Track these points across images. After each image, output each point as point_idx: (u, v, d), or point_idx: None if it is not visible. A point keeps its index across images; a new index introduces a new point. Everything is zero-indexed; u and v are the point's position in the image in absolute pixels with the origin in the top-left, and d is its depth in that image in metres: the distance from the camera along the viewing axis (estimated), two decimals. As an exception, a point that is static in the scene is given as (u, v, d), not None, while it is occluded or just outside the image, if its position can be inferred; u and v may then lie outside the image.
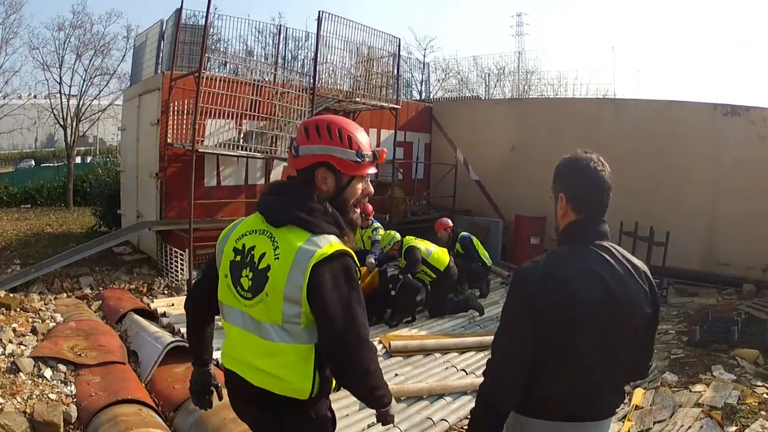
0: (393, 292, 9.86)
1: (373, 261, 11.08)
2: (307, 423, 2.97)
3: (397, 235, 11.14)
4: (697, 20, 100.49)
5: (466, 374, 7.84)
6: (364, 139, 3.07)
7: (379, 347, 8.47)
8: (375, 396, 3.00)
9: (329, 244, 2.79)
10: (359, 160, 2.97)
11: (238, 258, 2.94)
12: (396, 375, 7.56)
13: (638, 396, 6.89)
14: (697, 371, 7.59)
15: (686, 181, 14.15)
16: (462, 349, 8.73)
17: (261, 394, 2.89)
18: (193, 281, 11.21)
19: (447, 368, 8.04)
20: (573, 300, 2.80)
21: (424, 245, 10.79)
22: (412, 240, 10.87)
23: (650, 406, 6.61)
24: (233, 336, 3.00)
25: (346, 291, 2.76)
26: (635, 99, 16.11)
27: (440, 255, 10.74)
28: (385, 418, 3.14)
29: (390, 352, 8.25)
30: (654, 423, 6.23)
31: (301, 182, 2.97)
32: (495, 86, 28.36)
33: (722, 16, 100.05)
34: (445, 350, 8.60)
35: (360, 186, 3.10)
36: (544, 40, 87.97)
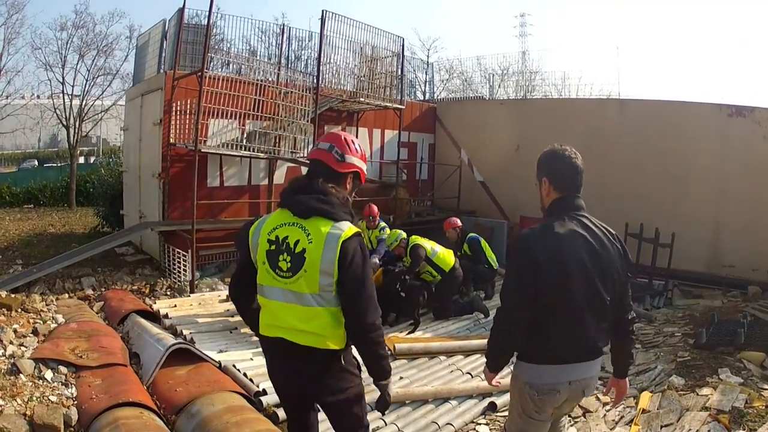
0: (402, 294, 9.81)
1: (377, 261, 11.05)
2: (342, 367, 3.86)
3: (403, 234, 11.10)
4: (700, 20, 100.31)
5: (472, 377, 7.76)
6: None
7: (383, 350, 8.36)
8: (378, 354, 3.85)
9: (348, 228, 3.73)
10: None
11: (273, 247, 3.79)
12: (401, 378, 7.47)
13: (645, 399, 6.81)
14: (704, 374, 7.47)
15: (691, 181, 14.06)
16: (467, 352, 8.66)
17: (304, 351, 3.73)
18: (195, 281, 11.46)
19: (452, 371, 7.97)
20: (564, 252, 3.72)
21: (429, 245, 10.74)
22: (417, 239, 10.83)
23: (657, 409, 6.51)
24: (274, 309, 3.82)
25: (362, 261, 3.72)
26: (640, 99, 16.03)
27: (445, 256, 10.67)
28: (385, 393, 4.00)
29: (394, 355, 8.15)
30: (661, 427, 6.14)
31: (322, 181, 3.84)
32: (499, 87, 28.31)
33: (724, 16, 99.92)
34: (450, 353, 8.53)
35: None
36: (548, 41, 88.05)
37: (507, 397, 6.72)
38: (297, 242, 3.71)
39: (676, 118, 14.35)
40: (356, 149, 4.04)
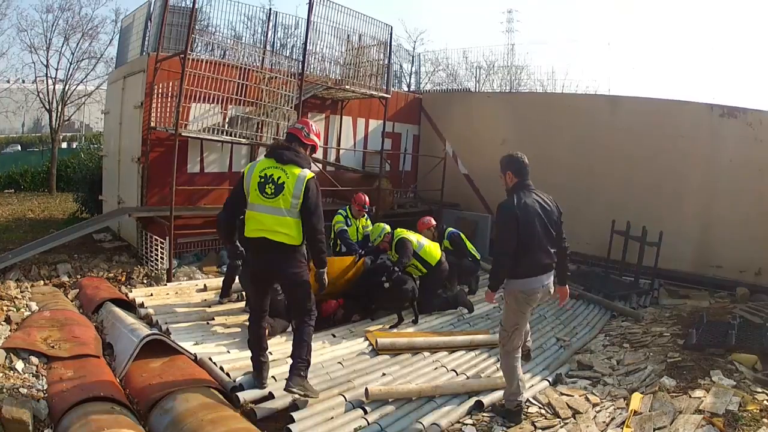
0: (387, 284, 9.54)
1: (361, 252, 10.89)
2: (296, 257, 6.38)
3: (387, 227, 11.01)
4: (691, 19, 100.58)
5: (457, 375, 7.60)
6: None
7: (364, 344, 8.31)
8: (320, 249, 6.48)
9: (310, 173, 6.33)
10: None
11: (263, 180, 6.27)
12: (383, 375, 7.31)
13: (636, 401, 6.71)
14: (696, 375, 7.41)
15: (680, 181, 14.04)
16: (452, 348, 8.50)
17: (276, 245, 6.24)
18: (173, 269, 11.32)
19: (436, 368, 7.79)
20: (529, 210, 6.43)
21: (415, 237, 10.61)
22: (403, 232, 10.65)
23: (649, 411, 6.41)
24: (260, 218, 6.25)
25: (316, 192, 6.28)
26: (631, 96, 15.88)
27: (432, 249, 10.54)
28: (322, 278, 6.64)
29: (376, 350, 8.02)
30: (654, 430, 6.05)
31: (295, 144, 6.53)
32: (485, 81, 28.22)
33: (716, 15, 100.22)
34: (434, 349, 8.36)
35: None
36: (536, 36, 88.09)
37: (494, 395, 7.07)
38: (279, 178, 6.25)
39: (666, 116, 14.32)
40: (316, 131, 6.85)
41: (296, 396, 6.29)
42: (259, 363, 6.65)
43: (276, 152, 6.46)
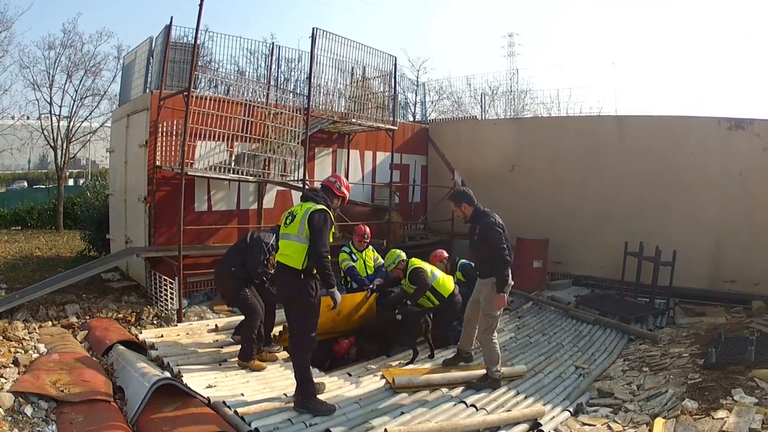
0: (399, 316, 9.39)
1: (373, 287, 10.70)
2: (301, 280, 7.00)
3: (403, 255, 10.87)
4: (691, 33, 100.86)
5: (477, 410, 7.42)
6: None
7: (381, 383, 8.13)
8: (325, 273, 7.05)
9: (317, 206, 7.10)
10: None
11: (287, 215, 7.34)
12: (402, 414, 7.13)
13: (659, 426, 6.62)
14: (717, 396, 7.31)
15: (691, 197, 14.04)
16: (470, 383, 8.29)
17: (282, 266, 7.14)
18: (183, 309, 11.19)
19: (455, 404, 7.59)
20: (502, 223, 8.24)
21: (429, 268, 10.50)
22: (417, 262, 10.52)
23: None
24: (281, 244, 7.24)
25: (320, 221, 6.99)
26: (637, 115, 15.95)
27: (445, 281, 10.42)
28: (333, 296, 7.26)
29: (394, 388, 7.85)
30: None
31: (325, 192, 7.53)
32: (489, 107, 28.21)
33: (717, 27, 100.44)
34: (452, 385, 8.17)
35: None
36: (537, 60, 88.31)
37: (517, 429, 6.97)
38: (295, 211, 7.27)
39: (675, 133, 14.33)
40: (346, 185, 7.76)
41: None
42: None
43: (302, 196, 7.91)
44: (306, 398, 6.96)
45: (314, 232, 6.95)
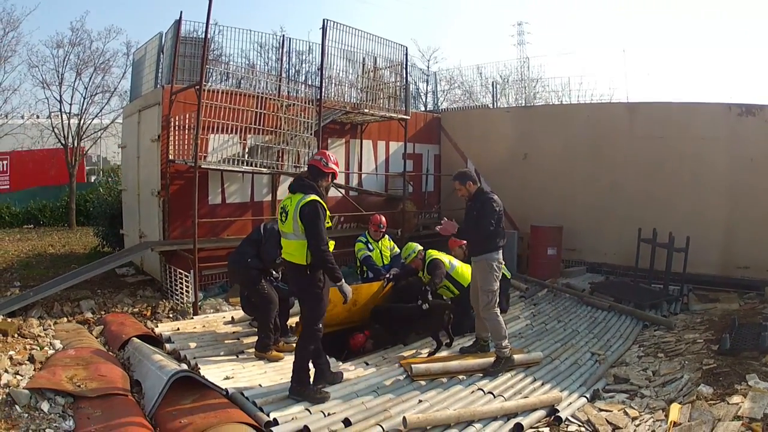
0: (425, 306, 9.27)
1: (390, 276, 10.78)
2: (306, 274, 6.96)
3: (419, 247, 10.86)
4: (702, 18, 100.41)
5: (494, 397, 7.45)
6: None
7: (399, 371, 8.13)
8: (328, 268, 6.91)
9: (307, 197, 6.87)
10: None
11: (281, 211, 7.20)
12: (420, 402, 7.13)
13: (675, 411, 6.63)
14: (732, 381, 7.32)
15: (702, 183, 14.06)
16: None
17: (292, 264, 7.06)
18: (198, 302, 11.17)
19: (473, 391, 7.62)
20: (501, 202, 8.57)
21: (447, 259, 10.53)
22: (435, 253, 10.55)
23: (688, 421, 6.32)
24: (283, 243, 7.20)
25: (311, 213, 6.79)
26: (648, 102, 15.80)
27: (464, 271, 10.37)
28: (341, 289, 7.16)
29: (411, 376, 7.86)
30: None
31: (312, 176, 7.28)
32: (500, 95, 28.10)
33: (726, 14, 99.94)
34: (469, 372, 8.19)
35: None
36: (546, 47, 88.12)
37: (533, 416, 6.94)
38: (286, 206, 7.10)
39: (685, 119, 14.35)
40: (334, 160, 7.47)
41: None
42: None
43: (289, 186, 7.49)
44: (300, 386, 6.96)
45: (308, 227, 6.81)
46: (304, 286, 7.07)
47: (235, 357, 8.63)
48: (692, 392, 7.19)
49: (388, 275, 10.63)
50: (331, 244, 7.13)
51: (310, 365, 7.20)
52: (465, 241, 11.88)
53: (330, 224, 7.39)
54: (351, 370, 8.15)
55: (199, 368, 7.85)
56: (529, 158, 16.72)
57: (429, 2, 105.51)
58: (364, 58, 14.28)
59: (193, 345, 8.90)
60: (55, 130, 25.63)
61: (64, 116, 25.50)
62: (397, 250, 11.89)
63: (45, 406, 6.34)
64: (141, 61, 15.74)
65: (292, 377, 7.06)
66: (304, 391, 6.91)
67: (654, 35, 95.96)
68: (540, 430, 6.79)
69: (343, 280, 7.14)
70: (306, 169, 8.38)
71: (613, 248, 15.18)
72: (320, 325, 7.16)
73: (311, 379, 7.12)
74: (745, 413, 6.13)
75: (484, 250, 8.47)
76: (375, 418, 6.51)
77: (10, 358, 7.79)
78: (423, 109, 26.15)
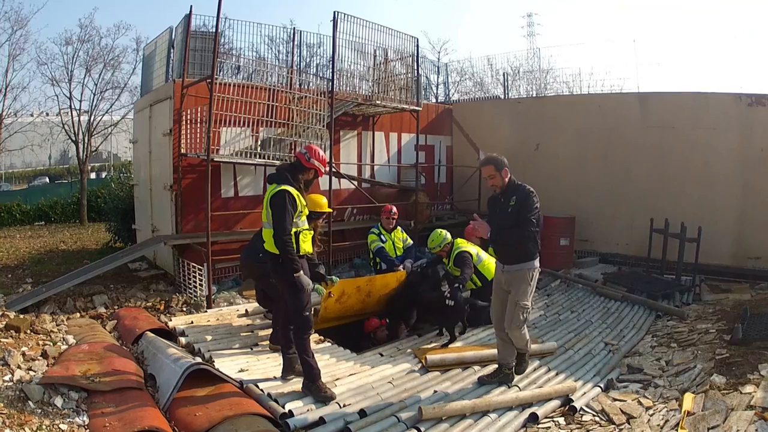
0: (451, 302, 9.17)
1: (408, 266, 10.89)
2: (281, 263, 6.94)
3: (449, 236, 10.66)
4: (711, 9, 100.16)
5: (509, 387, 7.43)
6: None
7: (413, 362, 8.17)
8: (287, 258, 6.83)
9: (279, 187, 6.95)
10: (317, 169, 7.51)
11: (265, 201, 7.10)
12: (435, 392, 7.15)
13: (688, 401, 6.61)
14: (745, 371, 7.30)
15: (713, 174, 14.04)
16: (502, 360, 8.25)
17: (269, 253, 7.11)
18: (212, 296, 11.16)
19: (488, 382, 7.63)
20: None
21: (475, 250, 10.45)
22: (463, 243, 10.45)
23: (702, 411, 6.31)
24: (263, 233, 7.24)
25: (280, 204, 6.86)
26: (659, 92, 15.79)
27: (490, 264, 10.17)
28: (297, 281, 6.90)
29: (426, 367, 7.88)
30: (708, 429, 5.94)
31: (291, 167, 7.39)
32: (511, 86, 28.07)
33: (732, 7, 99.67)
34: (484, 362, 8.18)
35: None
36: (556, 39, 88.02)
37: (548, 406, 7.00)
38: (265, 197, 7.18)
39: (696, 109, 14.32)
40: (320, 157, 7.43)
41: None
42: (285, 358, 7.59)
43: (267, 177, 7.95)
44: (308, 380, 6.88)
45: (274, 215, 6.87)
46: (279, 275, 7.07)
47: (249, 349, 8.64)
48: (705, 382, 7.19)
49: (400, 267, 10.62)
50: (309, 234, 7.34)
51: (306, 357, 6.98)
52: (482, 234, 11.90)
53: (303, 219, 7.24)
54: (366, 361, 8.19)
55: (214, 361, 7.89)
56: (541, 149, 16.73)
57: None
58: (375, 50, 14.24)
59: (207, 338, 8.92)
60: (66, 127, 25.73)
61: (74, 113, 25.62)
62: (410, 241, 11.88)
63: (58, 401, 6.32)
64: (151, 56, 15.76)
65: (282, 367, 7.49)
66: (311, 386, 6.85)
67: (664, 25, 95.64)
68: (555, 419, 6.79)
69: (301, 272, 6.92)
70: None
71: (626, 238, 15.22)
72: (307, 314, 7.12)
73: (315, 372, 6.95)
74: (758, 402, 6.12)
75: (523, 257, 7.14)
76: (390, 409, 6.53)
77: (23, 354, 7.77)
78: (434, 100, 26.15)
